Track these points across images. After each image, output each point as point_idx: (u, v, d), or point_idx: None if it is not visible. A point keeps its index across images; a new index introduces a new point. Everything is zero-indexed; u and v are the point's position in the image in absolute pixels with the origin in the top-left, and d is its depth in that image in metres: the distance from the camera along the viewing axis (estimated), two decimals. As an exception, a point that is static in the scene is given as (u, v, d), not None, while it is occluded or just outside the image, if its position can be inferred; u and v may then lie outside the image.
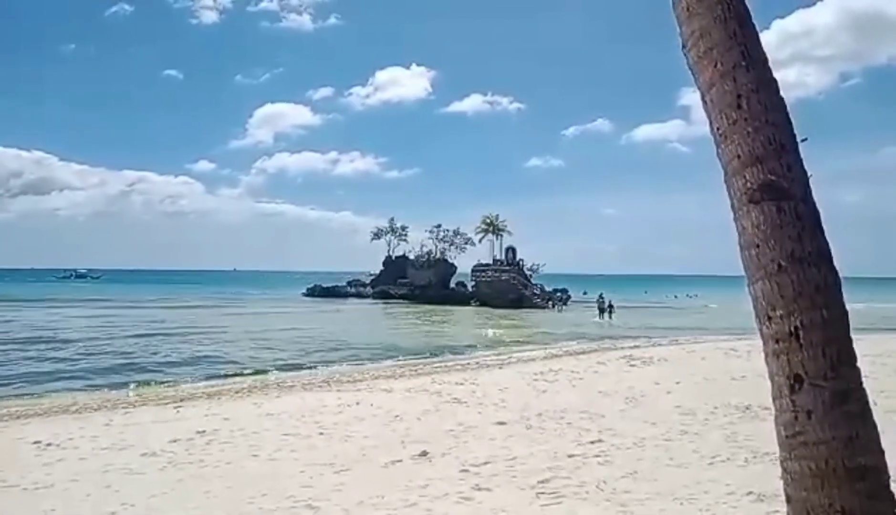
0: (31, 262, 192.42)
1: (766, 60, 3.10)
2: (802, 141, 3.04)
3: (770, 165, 2.94)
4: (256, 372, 20.14)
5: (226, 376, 19.52)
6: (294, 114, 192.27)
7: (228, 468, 8.23)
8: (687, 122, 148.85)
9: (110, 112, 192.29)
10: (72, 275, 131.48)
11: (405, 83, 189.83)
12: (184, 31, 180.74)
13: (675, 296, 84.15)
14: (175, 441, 9.71)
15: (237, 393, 15.35)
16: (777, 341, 2.88)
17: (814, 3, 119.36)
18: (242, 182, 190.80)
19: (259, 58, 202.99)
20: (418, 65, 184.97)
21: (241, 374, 19.79)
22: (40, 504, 6.95)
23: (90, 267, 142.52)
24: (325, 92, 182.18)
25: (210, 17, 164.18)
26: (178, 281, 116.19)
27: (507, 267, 64.50)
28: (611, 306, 51.61)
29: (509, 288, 60.82)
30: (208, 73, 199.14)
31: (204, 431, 10.36)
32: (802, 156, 3.03)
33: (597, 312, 51.36)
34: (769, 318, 2.91)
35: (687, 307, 63.40)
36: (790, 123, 3.05)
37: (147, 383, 18.09)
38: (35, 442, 9.84)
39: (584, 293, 57.27)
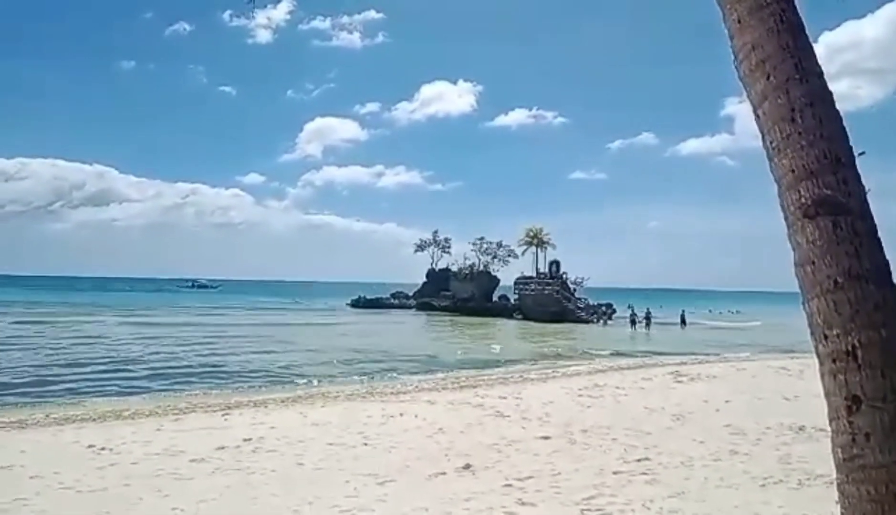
0: (87, 271, 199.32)
1: (820, 73, 3.04)
2: (860, 154, 2.96)
3: (825, 179, 2.87)
4: (302, 382, 20.40)
5: (272, 385, 19.83)
6: (342, 129, 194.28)
7: (274, 475, 8.36)
8: (733, 136, 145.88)
9: (168, 126, 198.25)
10: (193, 285, 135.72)
11: (450, 98, 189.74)
12: (239, 49, 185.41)
13: (726, 312, 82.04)
14: (223, 448, 9.91)
15: (282, 402, 15.57)
16: (834, 360, 2.80)
17: (864, 15, 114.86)
18: (290, 194, 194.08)
19: (310, 74, 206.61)
20: (464, 80, 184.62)
21: (287, 383, 20.08)
22: (95, 506, 7.18)
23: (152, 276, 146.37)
24: (373, 107, 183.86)
25: (265, 35, 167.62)
26: (230, 291, 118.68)
27: (551, 281, 63.79)
28: (648, 318, 53.37)
29: (552, 302, 60.19)
30: (261, 88, 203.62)
31: (250, 439, 10.55)
32: (860, 169, 2.95)
33: (630, 324, 52.90)
34: (825, 337, 2.83)
35: (736, 324, 61.53)
36: (846, 137, 2.97)
37: (195, 390, 18.50)
38: (90, 446, 10.17)
39: (629, 307, 56.37)
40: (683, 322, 56.43)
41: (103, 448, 9.99)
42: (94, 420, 13.33)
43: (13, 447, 10.28)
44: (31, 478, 8.25)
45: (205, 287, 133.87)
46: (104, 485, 7.97)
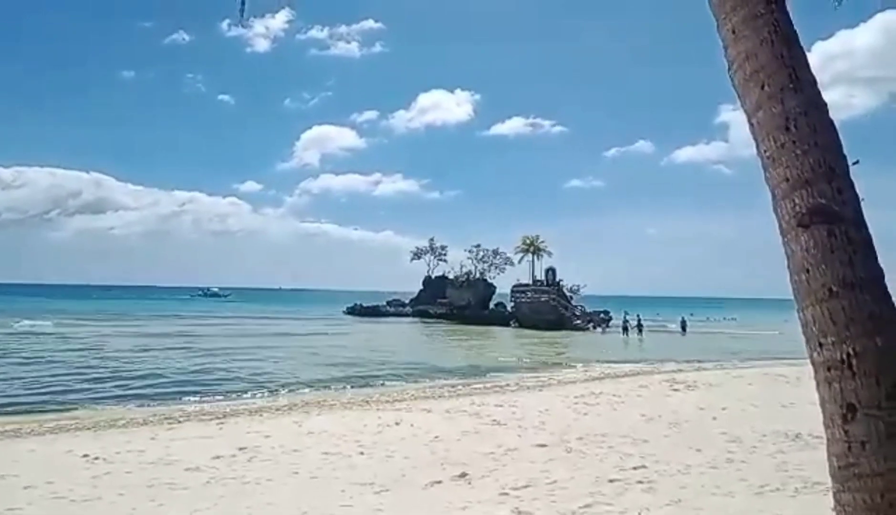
0: (85, 279, 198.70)
1: (814, 82, 3.06)
2: (854, 164, 2.97)
3: (819, 188, 2.88)
4: (297, 390, 20.32)
5: (267, 393, 19.75)
6: (340, 137, 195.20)
7: (269, 485, 8.31)
8: (727, 143, 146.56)
9: (166, 135, 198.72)
10: (205, 293, 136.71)
11: (448, 106, 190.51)
12: (238, 58, 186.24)
13: (721, 319, 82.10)
14: (218, 457, 9.85)
15: (278, 410, 15.51)
16: (829, 369, 2.80)
17: (856, 25, 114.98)
18: (287, 202, 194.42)
19: (308, 82, 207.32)
20: (462, 89, 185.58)
21: (283, 392, 20.01)
22: (89, 516, 7.13)
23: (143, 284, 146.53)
24: (370, 115, 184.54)
25: (263, 45, 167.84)
26: (237, 300, 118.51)
27: (547, 288, 63.73)
28: (640, 325, 53.60)
29: (549, 309, 60.14)
30: (259, 97, 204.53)
31: (246, 448, 10.49)
32: (854, 178, 2.97)
33: (622, 331, 52.97)
34: (820, 345, 2.83)
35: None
36: (840, 146, 2.99)
37: (190, 399, 18.40)
38: (84, 455, 10.10)
39: (626, 314, 56.36)
40: (684, 328, 56.46)
41: (97, 458, 9.92)
42: (89, 429, 13.25)
43: (6, 456, 10.22)
44: (25, 488, 8.19)
45: (216, 295, 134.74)
46: (98, 495, 7.91)
